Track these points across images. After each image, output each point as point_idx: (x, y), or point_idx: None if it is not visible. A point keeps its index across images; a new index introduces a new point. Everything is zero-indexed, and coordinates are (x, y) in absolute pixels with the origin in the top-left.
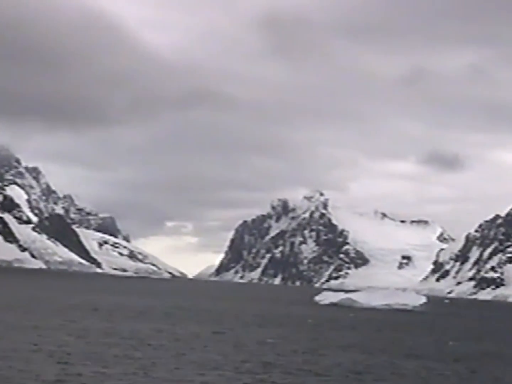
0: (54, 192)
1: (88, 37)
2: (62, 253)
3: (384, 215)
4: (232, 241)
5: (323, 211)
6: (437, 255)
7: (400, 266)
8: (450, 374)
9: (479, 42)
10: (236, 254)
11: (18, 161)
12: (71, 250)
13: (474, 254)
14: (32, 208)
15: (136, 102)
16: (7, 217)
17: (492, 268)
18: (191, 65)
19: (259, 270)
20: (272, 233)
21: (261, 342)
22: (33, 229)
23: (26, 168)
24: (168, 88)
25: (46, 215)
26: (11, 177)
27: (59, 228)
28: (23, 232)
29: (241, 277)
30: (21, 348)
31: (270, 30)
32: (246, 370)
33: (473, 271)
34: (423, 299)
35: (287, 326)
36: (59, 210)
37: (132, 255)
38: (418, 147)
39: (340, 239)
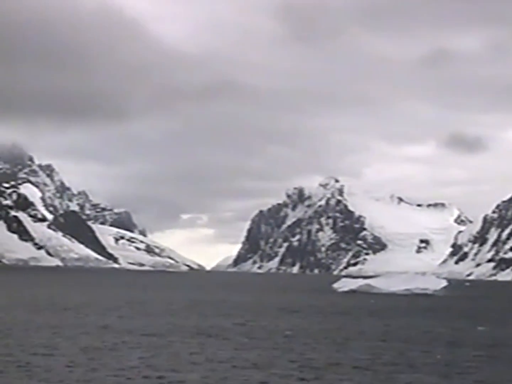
0: (68, 189)
1: (104, 31)
2: (78, 249)
3: (400, 199)
4: (249, 231)
5: (339, 197)
6: (455, 238)
7: (418, 250)
8: (489, 361)
9: (498, 22)
10: (253, 244)
11: (31, 159)
12: (87, 246)
13: (492, 235)
14: (46, 206)
15: (154, 96)
16: (21, 215)
17: (511, 249)
18: (209, 57)
19: (277, 259)
20: (289, 221)
21: (279, 333)
22: (48, 226)
23: (40, 166)
24: (185, 81)
25: (61, 212)
26: (24, 176)
27: (74, 224)
28: (38, 230)
29: (259, 267)
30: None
31: (285, 17)
32: (255, 365)
33: (492, 252)
34: (444, 283)
35: (305, 315)
36: (74, 206)
37: (149, 249)
38: (434, 129)
39: (357, 225)
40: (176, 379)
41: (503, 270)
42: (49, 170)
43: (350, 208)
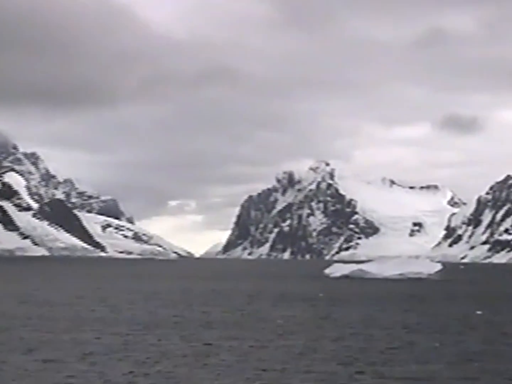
0: (53, 177)
1: (92, 17)
2: (65, 238)
3: (392, 182)
4: (238, 217)
5: (330, 181)
6: (449, 220)
7: (412, 233)
8: (491, 347)
9: (492, 1)
10: (243, 230)
11: (15, 147)
12: (73, 235)
13: (487, 217)
14: (31, 195)
15: (143, 83)
16: (6, 205)
17: (506, 231)
18: (199, 42)
19: (268, 245)
20: (279, 206)
21: (268, 321)
22: (34, 215)
23: (24, 154)
24: (175, 67)
25: (46, 200)
26: (9, 164)
27: (60, 213)
28: (23, 219)
29: (250, 254)
30: None
31: (276, 3)
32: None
33: (486, 234)
34: (438, 266)
35: (297, 303)
36: (59, 195)
37: (136, 237)
38: (426, 111)
39: (348, 209)
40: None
41: (498, 252)
42: (34, 158)
43: (341, 191)
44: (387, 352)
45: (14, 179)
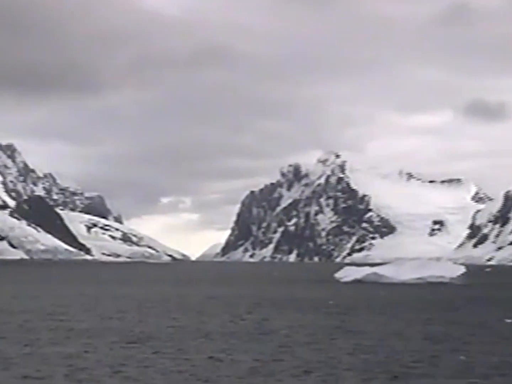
0: (32, 171)
1: None
2: (45, 240)
3: (410, 175)
4: (239, 215)
5: (341, 175)
6: (473, 218)
7: (432, 232)
8: None
9: None
10: (244, 230)
11: None
12: (55, 236)
13: None
14: (8, 191)
15: (131, 66)
16: None
17: None
18: (193, 20)
19: (271, 246)
20: (284, 203)
21: (273, 332)
22: (11, 214)
23: (0, 146)
24: (166, 48)
25: (24, 197)
26: None
27: (40, 211)
28: None
29: (251, 256)
30: None
31: None
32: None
33: None
34: (462, 269)
35: (304, 311)
36: (39, 191)
37: (125, 238)
38: (448, 97)
39: (361, 206)
40: None
41: None
42: (10, 151)
43: (353, 186)
44: (409, 366)
45: None
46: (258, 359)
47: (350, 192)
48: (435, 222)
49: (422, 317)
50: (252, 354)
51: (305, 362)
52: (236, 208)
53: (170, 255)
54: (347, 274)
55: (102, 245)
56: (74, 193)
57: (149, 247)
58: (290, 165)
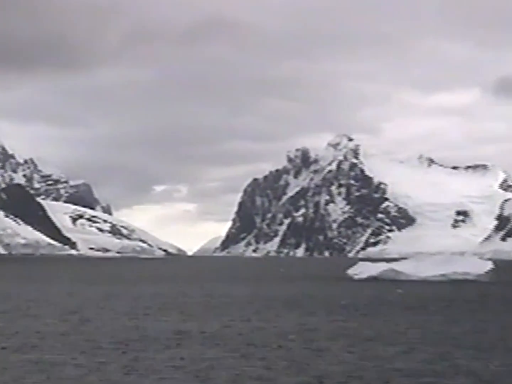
0: (12, 156)
1: None
2: (26, 233)
3: (431, 161)
4: (240, 205)
5: (354, 160)
6: (501, 208)
7: (455, 224)
8: None
9: None
10: (246, 222)
11: None
12: (37, 229)
13: None
14: None
15: (123, 40)
16: None
17: None
18: None
19: (277, 240)
20: (291, 192)
21: (280, 337)
22: None
23: None
24: (161, 20)
25: (2, 186)
26: None
27: (20, 201)
28: None
29: (255, 250)
30: None
31: None
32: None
33: None
34: (489, 265)
35: (314, 312)
36: (19, 179)
37: (114, 231)
38: (472, 74)
39: (377, 195)
40: None
41: None
42: None
43: (368, 173)
44: (428, 374)
45: None
46: (270, 368)
47: (365, 179)
48: (459, 213)
49: (445, 318)
50: (258, 361)
51: (317, 371)
52: (238, 197)
53: (164, 250)
54: (361, 271)
55: (89, 238)
56: (57, 181)
57: (141, 240)
58: (297, 149)
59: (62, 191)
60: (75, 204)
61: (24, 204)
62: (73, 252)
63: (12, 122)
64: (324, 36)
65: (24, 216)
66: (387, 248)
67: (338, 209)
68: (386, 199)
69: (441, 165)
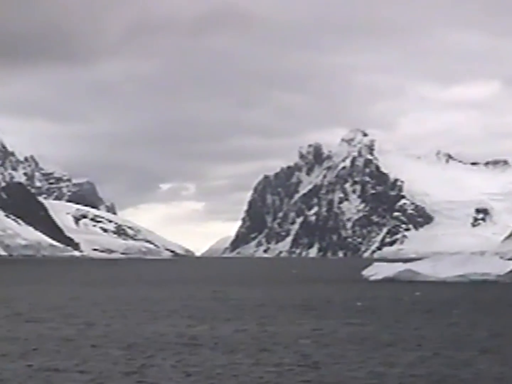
0: (12, 154)
1: None
2: (27, 234)
3: (449, 156)
4: (250, 204)
5: (368, 156)
6: None
7: (475, 222)
8: None
9: None
10: (256, 221)
11: None
12: (38, 229)
13: None
14: None
15: (127, 32)
16: None
17: None
18: None
19: (289, 240)
20: (303, 190)
21: (292, 342)
22: None
23: None
24: (167, 11)
25: (2, 184)
26: None
27: (20, 201)
28: None
29: (266, 251)
30: None
31: None
32: None
33: None
34: (510, 265)
35: (327, 316)
36: (19, 177)
37: (119, 231)
38: (492, 65)
39: (393, 193)
40: None
41: None
42: None
43: (383, 169)
44: (450, 381)
45: None
46: (282, 376)
47: (380, 176)
48: (479, 211)
49: (466, 322)
50: (271, 367)
51: (332, 379)
52: (247, 195)
53: (171, 251)
54: (377, 271)
55: (92, 239)
56: (59, 179)
57: (147, 241)
58: (310, 145)
59: (64, 190)
60: (78, 203)
61: (25, 204)
62: (76, 253)
63: (11, 118)
64: (335, 27)
65: (25, 216)
66: (404, 248)
67: (353, 208)
68: (403, 196)
69: (459, 161)
